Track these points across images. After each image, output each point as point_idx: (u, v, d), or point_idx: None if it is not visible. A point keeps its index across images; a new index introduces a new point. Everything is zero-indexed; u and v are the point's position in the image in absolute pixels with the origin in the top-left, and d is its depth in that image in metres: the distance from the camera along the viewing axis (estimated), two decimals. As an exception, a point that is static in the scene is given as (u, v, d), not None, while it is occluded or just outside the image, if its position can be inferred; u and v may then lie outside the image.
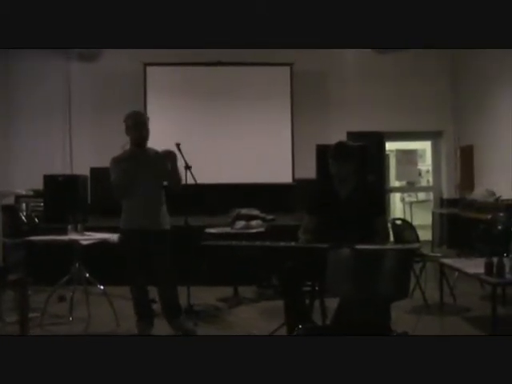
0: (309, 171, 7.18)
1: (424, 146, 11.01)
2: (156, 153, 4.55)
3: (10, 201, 7.36)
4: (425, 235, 8.71)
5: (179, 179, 4.60)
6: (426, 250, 6.22)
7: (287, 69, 9.20)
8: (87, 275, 5.09)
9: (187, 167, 4.97)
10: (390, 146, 10.04)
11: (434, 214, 9.50)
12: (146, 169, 4.45)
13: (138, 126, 4.45)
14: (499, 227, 6.12)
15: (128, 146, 4.49)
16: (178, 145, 4.87)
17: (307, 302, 3.86)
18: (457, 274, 5.63)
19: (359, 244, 3.18)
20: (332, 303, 3.66)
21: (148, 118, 4.58)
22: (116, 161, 4.46)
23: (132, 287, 4.61)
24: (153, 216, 4.49)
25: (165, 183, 4.63)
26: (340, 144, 3.97)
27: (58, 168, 8.83)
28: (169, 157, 4.49)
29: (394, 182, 11.00)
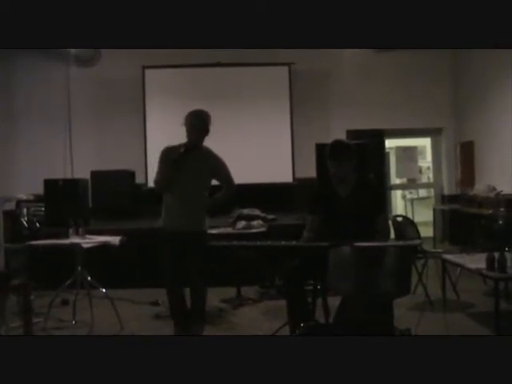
0: (309, 170, 7.18)
1: (424, 143, 11.00)
2: (209, 154, 4.54)
3: (11, 206, 7.36)
4: (426, 232, 8.72)
5: (233, 185, 4.65)
6: (427, 247, 6.22)
7: (286, 68, 9.18)
8: (89, 278, 5.09)
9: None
10: (389, 143, 10.06)
11: (435, 210, 9.51)
12: (194, 169, 4.39)
13: (188, 128, 4.43)
14: (500, 222, 6.13)
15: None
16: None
17: (310, 300, 3.86)
18: (459, 270, 5.63)
19: (360, 242, 3.17)
20: (334, 301, 3.67)
21: (205, 119, 4.49)
22: (167, 152, 4.42)
23: (169, 291, 4.46)
24: (193, 216, 4.41)
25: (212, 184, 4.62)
26: (336, 143, 3.92)
27: (59, 172, 8.81)
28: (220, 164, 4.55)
29: (395, 180, 11.00)
